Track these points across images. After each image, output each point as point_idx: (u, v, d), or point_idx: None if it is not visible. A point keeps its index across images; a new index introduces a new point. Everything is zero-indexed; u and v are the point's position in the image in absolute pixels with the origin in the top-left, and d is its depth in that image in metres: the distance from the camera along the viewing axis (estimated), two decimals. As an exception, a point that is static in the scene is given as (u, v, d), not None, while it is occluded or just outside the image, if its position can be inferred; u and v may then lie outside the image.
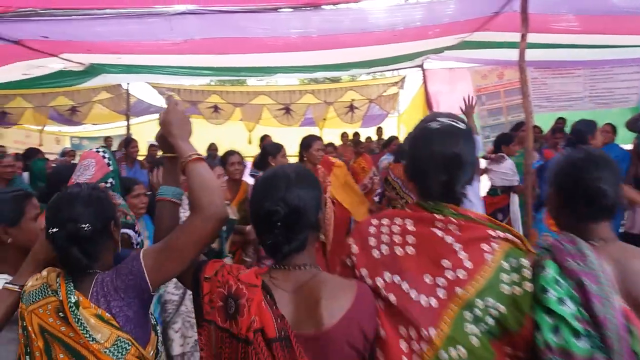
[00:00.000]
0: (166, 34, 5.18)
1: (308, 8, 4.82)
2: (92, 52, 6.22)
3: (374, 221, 1.42)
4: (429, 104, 8.09)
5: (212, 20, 4.84)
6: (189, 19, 4.81)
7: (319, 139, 4.91)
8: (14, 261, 1.74)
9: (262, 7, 4.70)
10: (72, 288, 1.44)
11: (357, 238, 1.41)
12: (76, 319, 1.39)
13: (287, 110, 9.35)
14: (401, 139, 8.27)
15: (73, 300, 1.41)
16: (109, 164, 2.49)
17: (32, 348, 1.44)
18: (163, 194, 1.51)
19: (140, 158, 7.61)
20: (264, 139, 7.20)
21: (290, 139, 8.81)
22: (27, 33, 5.16)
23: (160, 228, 1.49)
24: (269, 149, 4.45)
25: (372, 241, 1.38)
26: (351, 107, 9.41)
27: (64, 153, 8.62)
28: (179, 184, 1.55)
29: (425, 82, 8.19)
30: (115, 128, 11.09)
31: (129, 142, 7.02)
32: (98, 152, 2.54)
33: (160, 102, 10.11)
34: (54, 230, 1.46)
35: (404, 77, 9.14)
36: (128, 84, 9.03)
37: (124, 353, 1.41)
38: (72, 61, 6.60)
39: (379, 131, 9.53)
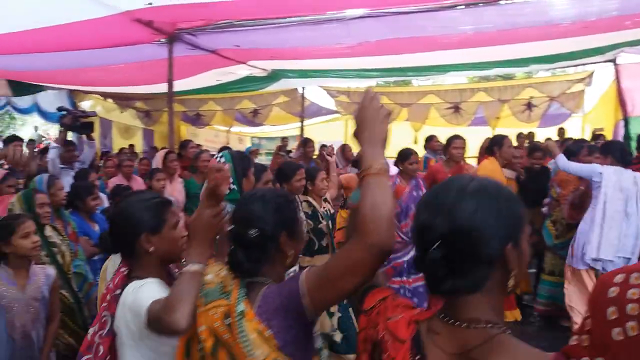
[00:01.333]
0: (343, 38, 5.39)
1: (485, 3, 4.64)
2: (275, 59, 6.74)
3: (619, 277, 0.79)
4: (621, 102, 7.16)
5: (389, 22, 4.91)
6: (367, 22, 4.94)
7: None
8: (156, 270, 1.70)
9: (438, 5, 4.64)
10: (243, 295, 1.35)
11: (592, 305, 0.82)
12: (239, 330, 1.29)
13: (457, 109, 9.06)
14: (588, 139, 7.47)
15: (240, 310, 1.31)
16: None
17: (192, 346, 1.41)
18: (353, 200, 1.35)
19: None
20: (431, 139, 7.07)
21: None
22: (222, 43, 5.80)
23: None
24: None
25: (612, 312, 0.77)
26: (528, 105, 8.76)
27: (249, 152, 9.53)
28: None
29: (617, 78, 7.26)
30: (290, 129, 11.87)
31: (306, 143, 7.44)
32: (215, 157, 2.66)
33: (331, 104, 10.55)
34: (240, 228, 1.41)
35: (591, 73, 8.23)
36: (303, 88, 9.60)
37: None
38: (257, 67, 7.24)
39: (561, 132, 8.72)
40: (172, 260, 1.75)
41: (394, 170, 4.47)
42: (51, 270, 2.94)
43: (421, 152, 7.29)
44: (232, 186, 2.38)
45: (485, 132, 8.29)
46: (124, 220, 1.71)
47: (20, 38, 4.93)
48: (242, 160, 2.51)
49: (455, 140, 4.99)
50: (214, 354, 1.33)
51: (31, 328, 2.76)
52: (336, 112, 10.92)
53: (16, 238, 2.72)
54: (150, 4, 4.32)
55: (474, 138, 6.92)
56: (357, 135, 1.25)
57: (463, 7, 4.66)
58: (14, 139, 5.87)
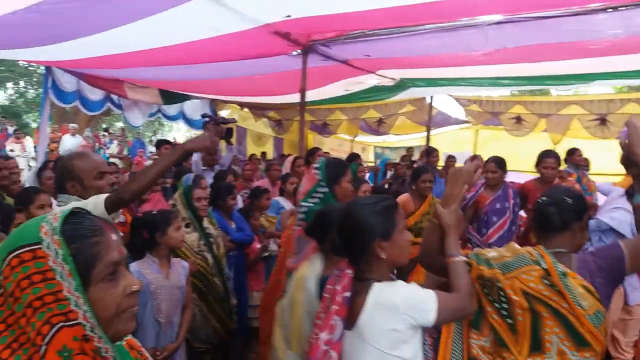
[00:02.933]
0: (478, 44, 5.18)
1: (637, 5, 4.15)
2: (404, 68, 6.69)
3: None
4: None
5: (529, 27, 4.61)
6: (505, 28, 4.69)
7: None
8: (386, 273, 1.73)
9: (585, 9, 4.26)
10: (555, 260, 1.75)
11: None
12: (565, 286, 1.68)
13: (603, 121, 8.24)
14: None
15: (561, 270, 1.71)
16: (316, 174, 2.55)
17: (512, 307, 1.77)
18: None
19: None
20: (573, 152, 6.51)
21: (601, 153, 7.79)
22: (353, 53, 5.88)
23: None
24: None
25: None
26: (692, 118, 7.69)
27: (385, 164, 9.58)
28: None
29: None
30: (414, 139, 11.72)
31: (430, 152, 7.30)
32: (311, 166, 2.69)
33: (459, 113, 10.21)
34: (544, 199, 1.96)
35: None
36: (432, 96, 9.40)
37: (598, 323, 1.67)
38: (385, 77, 7.24)
39: None
40: (400, 264, 1.78)
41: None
42: (185, 263, 3.20)
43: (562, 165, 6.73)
44: (324, 189, 2.50)
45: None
46: (356, 226, 1.72)
47: (172, 51, 5.44)
48: (335, 168, 2.56)
49: (546, 159, 4.51)
50: (531, 309, 1.72)
51: (173, 313, 3.02)
52: (465, 121, 10.55)
53: (171, 230, 3.00)
54: (289, 16, 4.51)
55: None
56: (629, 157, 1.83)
57: (611, 10, 4.23)
58: (165, 143, 6.50)
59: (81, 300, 0.92)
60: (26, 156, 12.49)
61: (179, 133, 24.73)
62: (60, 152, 11.36)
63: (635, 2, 4.09)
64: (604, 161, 7.62)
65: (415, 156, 9.81)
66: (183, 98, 9.17)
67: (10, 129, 14.60)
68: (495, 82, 7.37)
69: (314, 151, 6.43)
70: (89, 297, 0.94)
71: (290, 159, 5.74)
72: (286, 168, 5.71)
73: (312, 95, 7.19)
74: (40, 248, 0.92)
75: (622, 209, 3.89)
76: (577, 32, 4.71)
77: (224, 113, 10.31)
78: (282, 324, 2.28)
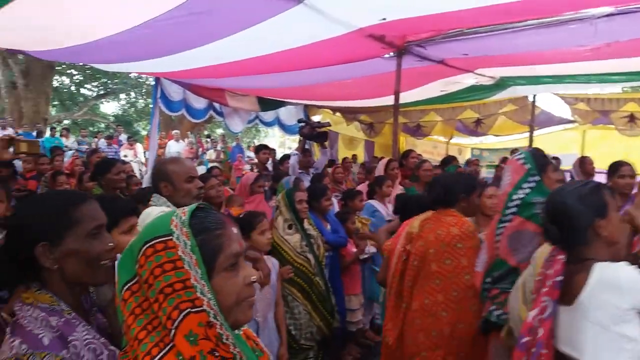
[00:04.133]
0: (586, 39, 4.82)
1: None
2: (505, 66, 6.39)
3: None
4: None
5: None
6: (617, 20, 4.33)
7: None
8: (605, 254, 1.77)
9: None
10: None
11: None
12: None
13: None
14: None
15: None
16: (524, 164, 2.51)
17: None
18: None
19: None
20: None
21: None
22: (450, 52, 5.72)
23: None
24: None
25: None
26: None
27: (468, 162, 9.25)
28: None
29: None
30: (516, 140, 11.15)
31: (537, 153, 6.89)
32: (513, 158, 2.66)
33: (565, 112, 9.55)
34: None
35: None
36: (534, 95, 8.89)
37: None
38: (484, 75, 6.97)
39: None
40: (618, 241, 1.79)
41: None
42: (275, 261, 3.29)
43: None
44: (536, 178, 2.47)
45: None
46: (571, 211, 1.77)
47: (269, 60, 5.63)
48: (541, 157, 2.57)
49: (622, 168, 4.04)
50: None
51: (267, 311, 3.12)
52: (570, 121, 9.85)
53: (255, 234, 3.10)
54: (384, 19, 4.49)
55: None
56: None
57: None
58: (263, 148, 6.75)
59: (206, 288, 1.00)
60: (137, 161, 13.55)
61: (273, 138, 25.60)
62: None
63: None
64: None
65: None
66: (278, 104, 9.46)
67: (123, 137, 15.93)
68: (605, 78, 6.81)
69: (408, 153, 6.35)
70: (213, 286, 1.01)
71: (383, 161, 5.71)
72: (379, 171, 5.68)
73: (406, 97, 7.11)
74: (171, 239, 1.01)
75: None
76: None
77: (316, 118, 10.50)
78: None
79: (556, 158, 7.86)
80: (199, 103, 8.33)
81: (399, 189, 5.56)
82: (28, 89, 15.43)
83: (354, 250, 4.46)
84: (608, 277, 1.64)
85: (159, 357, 0.98)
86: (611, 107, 8.40)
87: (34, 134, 12.92)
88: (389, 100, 6.59)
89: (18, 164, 6.28)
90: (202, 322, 0.99)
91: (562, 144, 10.45)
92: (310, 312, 3.62)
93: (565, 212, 1.78)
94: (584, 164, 6.28)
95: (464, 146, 13.41)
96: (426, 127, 11.09)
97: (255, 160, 7.10)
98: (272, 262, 3.27)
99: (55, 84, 19.59)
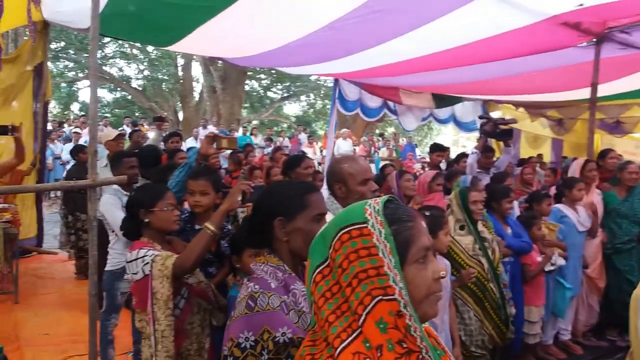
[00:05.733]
0: None
1: None
2: None
3: None
4: None
5: None
6: None
7: None
8: None
9: None
10: None
11: None
12: None
13: None
14: None
15: None
16: None
17: None
18: None
19: None
20: None
21: None
22: (661, 37, 4.92)
23: None
24: None
25: None
26: None
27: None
28: None
29: None
30: None
31: None
32: None
33: None
34: None
35: None
36: None
37: None
38: None
39: None
40: None
41: None
42: (447, 262, 3.17)
43: None
44: None
45: None
46: None
47: (448, 55, 5.46)
48: None
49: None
50: None
51: (443, 312, 3.06)
52: None
53: (441, 233, 3.00)
54: (581, 5, 4.04)
55: None
56: None
57: None
58: (438, 148, 6.62)
59: (398, 277, 1.00)
60: (316, 159, 14.39)
61: (446, 136, 24.92)
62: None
63: None
64: None
65: None
66: (454, 101, 9.16)
67: (303, 136, 17.02)
68: None
69: (606, 153, 5.63)
70: (404, 276, 1.01)
71: (579, 162, 5.13)
72: (574, 172, 5.12)
73: (604, 89, 6.30)
74: (366, 227, 1.03)
75: None
76: None
77: (496, 114, 9.91)
78: None
79: None
80: (373, 102, 8.48)
81: (596, 193, 4.98)
82: (225, 93, 17.44)
83: (539, 259, 4.10)
84: None
85: (347, 341, 1.00)
86: None
87: (230, 132, 14.52)
88: (583, 93, 5.93)
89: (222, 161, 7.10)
90: (393, 311, 0.99)
91: None
92: (482, 320, 3.45)
93: None
94: None
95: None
96: (627, 124, 9.70)
97: (427, 159, 6.97)
98: (444, 263, 3.17)
99: (246, 88, 21.75)
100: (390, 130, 23.31)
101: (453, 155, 8.55)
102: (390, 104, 8.76)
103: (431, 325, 2.89)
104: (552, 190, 5.69)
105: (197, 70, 20.44)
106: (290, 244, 1.55)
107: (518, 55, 5.44)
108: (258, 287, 1.43)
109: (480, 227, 3.60)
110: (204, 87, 19.00)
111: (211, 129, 13.77)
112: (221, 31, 4.65)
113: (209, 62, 16.84)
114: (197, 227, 2.69)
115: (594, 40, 5.08)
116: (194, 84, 20.62)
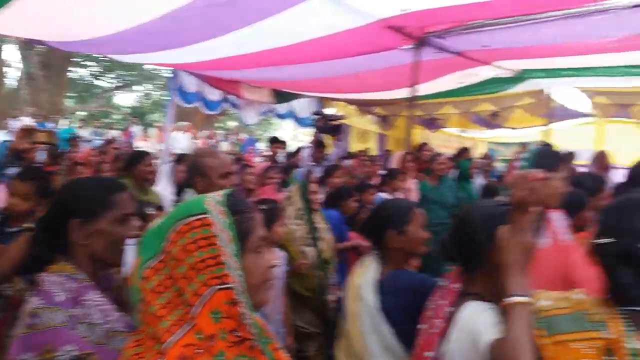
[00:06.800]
0: (613, 30, 4.73)
1: None
2: (525, 58, 6.30)
3: None
4: None
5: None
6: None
7: None
8: (490, 288, 1.46)
9: None
10: (630, 328, 1.10)
11: None
12: None
13: None
14: None
15: (632, 346, 1.08)
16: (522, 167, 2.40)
17: None
18: None
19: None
20: None
21: None
22: (470, 44, 5.65)
23: None
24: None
25: None
26: None
27: (485, 157, 9.20)
28: None
29: None
30: (531, 135, 11.01)
31: (545, 148, 6.81)
32: (515, 159, 2.53)
33: (583, 106, 9.40)
34: (605, 241, 1.16)
35: None
36: (551, 89, 8.76)
37: None
38: (503, 68, 6.87)
39: None
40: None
41: None
42: (282, 252, 3.27)
43: None
44: None
45: None
46: (473, 228, 1.46)
47: (286, 52, 5.59)
48: (546, 159, 2.29)
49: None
50: None
51: (274, 301, 3.12)
52: (588, 115, 9.69)
53: (277, 225, 3.08)
54: (405, 10, 4.44)
55: None
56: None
57: None
58: (276, 141, 6.74)
59: (237, 265, 1.03)
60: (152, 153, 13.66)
61: (286, 131, 25.56)
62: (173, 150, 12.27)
63: None
64: None
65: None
66: (293, 97, 9.42)
67: (137, 128, 16.04)
68: (629, 71, 6.68)
69: (422, 146, 6.31)
70: (243, 264, 1.04)
71: (400, 154, 5.68)
72: (395, 164, 5.65)
73: (422, 89, 7.03)
74: (207, 217, 1.04)
75: None
76: None
77: (331, 110, 10.44)
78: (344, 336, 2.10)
79: (572, 153, 7.76)
80: (214, 95, 8.32)
81: (413, 183, 5.54)
82: (47, 80, 15.59)
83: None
84: (469, 320, 1.36)
85: (178, 334, 0.99)
86: (632, 100, 8.25)
87: (51, 124, 13.04)
88: (405, 92, 6.53)
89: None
90: (228, 300, 1.01)
91: (579, 138, 10.29)
92: (299, 300, 3.58)
93: (461, 228, 1.53)
94: (601, 159, 6.19)
95: (480, 140, 13.29)
96: (441, 120, 10.99)
97: (267, 153, 7.10)
98: (279, 254, 3.26)
99: (72, 75, 19.75)
100: (232, 124, 23.15)
101: (293, 148, 8.83)
102: (232, 97, 8.69)
103: (261, 314, 2.96)
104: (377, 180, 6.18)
105: (11, 53, 17.97)
106: (91, 248, 1.41)
107: (350, 55, 5.79)
108: (41, 302, 1.28)
109: (316, 217, 3.78)
110: (22, 73, 16.76)
111: (26, 120, 12.22)
112: (43, 9, 4.13)
113: (27, 45, 14.88)
114: (11, 229, 2.40)
115: (415, 43, 5.61)
116: (7, 69, 18.08)
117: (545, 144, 7.33)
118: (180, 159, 5.09)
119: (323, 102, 10.32)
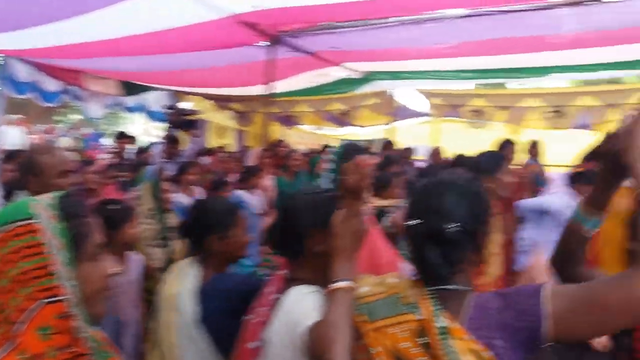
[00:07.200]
0: (442, 38, 5.29)
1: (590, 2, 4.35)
2: (370, 60, 6.76)
3: None
4: None
5: (492, 21, 4.75)
6: (468, 21, 4.82)
7: None
8: (319, 274, 1.42)
9: (545, 4, 4.44)
10: (438, 307, 1.11)
11: None
12: (446, 350, 1.06)
13: (558, 112, 8.57)
14: None
15: (441, 325, 1.08)
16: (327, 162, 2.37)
17: None
18: (580, 222, 1.21)
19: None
20: (534, 144, 6.76)
21: (556, 144, 8.12)
22: (321, 45, 5.90)
23: (561, 266, 1.25)
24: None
25: None
26: (642, 110, 8.07)
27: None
28: (602, 212, 1.20)
29: None
30: (377, 132, 11.81)
31: (387, 145, 7.40)
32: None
33: (422, 106, 10.36)
34: (414, 222, 1.16)
35: None
36: (394, 90, 9.51)
37: None
38: (351, 69, 7.29)
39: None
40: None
41: None
42: (140, 256, 3.14)
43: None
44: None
45: (588, 138, 7.79)
46: (294, 216, 1.44)
47: (135, 41, 5.30)
48: (351, 153, 2.31)
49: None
50: None
51: (131, 310, 2.96)
52: (426, 114, 10.71)
53: (128, 227, 2.91)
54: (256, 6, 4.48)
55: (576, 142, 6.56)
56: (613, 153, 1.12)
57: (569, 5, 4.41)
58: (122, 136, 6.35)
59: (70, 274, 0.94)
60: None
61: (134, 126, 24.12)
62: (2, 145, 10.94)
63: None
64: (559, 152, 7.95)
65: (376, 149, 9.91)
66: (145, 89, 8.95)
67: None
68: (459, 75, 7.54)
69: (277, 143, 6.44)
70: (77, 274, 0.96)
71: (257, 151, 5.73)
72: (252, 161, 5.69)
73: (278, 86, 7.17)
74: (33, 223, 0.93)
75: (562, 194, 4.00)
76: (539, 26, 4.88)
77: (186, 105, 10.12)
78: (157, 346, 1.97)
79: (409, 149, 8.53)
80: (52, 85, 7.55)
81: (270, 179, 5.63)
82: None
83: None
84: (292, 304, 1.34)
85: None
86: (462, 101, 9.32)
87: None
88: (261, 89, 6.59)
89: None
90: (59, 314, 0.92)
91: (419, 136, 11.30)
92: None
93: (285, 217, 1.51)
94: (436, 154, 6.89)
95: (332, 137, 13.90)
96: (296, 117, 11.29)
97: (113, 149, 6.68)
98: (137, 258, 3.10)
99: None
100: (76, 117, 21.20)
101: (144, 144, 8.38)
102: (73, 88, 7.96)
103: (115, 324, 2.79)
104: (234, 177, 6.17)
105: None
106: None
107: (203, 49, 5.68)
108: None
109: (169, 216, 3.63)
110: None
111: None
112: None
113: None
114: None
115: (269, 41, 5.69)
116: None
117: (387, 141, 7.96)
118: (10, 156, 4.55)
119: (178, 96, 9.96)
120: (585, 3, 4.42)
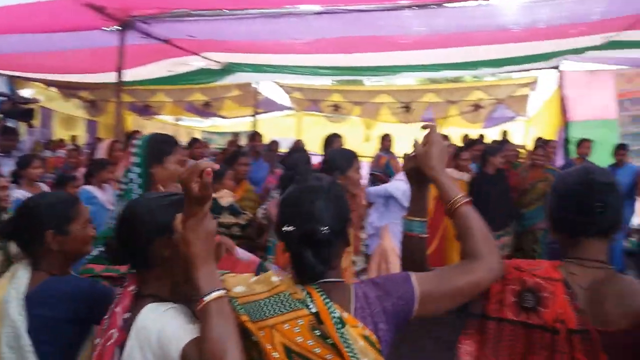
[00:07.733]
0: (299, 33, 5.39)
1: (437, 5, 4.76)
2: (230, 52, 6.65)
3: None
4: (563, 108, 7.54)
5: (345, 19, 4.95)
6: (323, 18, 4.97)
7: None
8: (168, 288, 1.35)
9: (394, 5, 4.74)
10: (329, 300, 1.18)
11: None
12: (343, 340, 1.13)
13: (407, 108, 9.29)
14: (529, 143, 7.81)
15: (336, 316, 1.15)
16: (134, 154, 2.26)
17: None
18: (411, 230, 1.42)
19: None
20: (385, 138, 7.22)
21: (406, 136, 8.81)
22: (176, 33, 5.67)
23: (409, 266, 1.40)
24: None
25: None
26: (476, 107, 9.07)
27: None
28: (425, 216, 1.44)
29: (560, 84, 7.64)
30: (242, 124, 11.77)
31: (253, 137, 7.38)
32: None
33: (285, 100, 10.51)
34: (289, 228, 1.22)
35: (536, 79, 8.59)
36: (257, 82, 9.53)
37: None
38: (211, 60, 7.12)
39: (505, 134, 9.07)
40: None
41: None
42: None
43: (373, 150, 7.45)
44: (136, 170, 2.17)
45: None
46: (133, 224, 1.32)
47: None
48: (161, 144, 2.23)
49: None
50: None
51: None
52: (289, 108, 10.90)
53: None
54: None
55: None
56: (417, 168, 1.41)
57: (416, 8, 4.77)
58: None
59: None
60: None
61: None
62: None
63: (436, 2, 4.67)
64: (408, 144, 8.64)
65: (242, 142, 9.87)
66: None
67: None
68: (316, 71, 7.76)
69: (133, 135, 6.08)
70: None
71: (107, 142, 5.33)
72: (101, 153, 5.27)
73: (131, 74, 6.75)
74: None
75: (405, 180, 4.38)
76: (387, 27, 5.20)
77: (25, 92, 9.09)
78: None
79: (275, 141, 8.63)
80: None
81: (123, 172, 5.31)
82: None
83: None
84: (150, 323, 1.22)
85: None
86: (320, 96, 9.64)
87: None
88: (112, 77, 6.16)
89: None
90: None
91: (283, 128, 11.47)
92: None
93: (124, 224, 1.41)
94: (295, 147, 7.03)
95: (195, 129, 13.52)
96: (154, 107, 10.78)
97: None
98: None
99: None
100: None
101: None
102: None
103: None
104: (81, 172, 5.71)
105: None
106: None
107: (43, 31, 5.14)
108: None
109: (6, 216, 3.31)
110: None
111: None
112: None
113: None
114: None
115: (119, 26, 5.32)
116: None
117: (253, 133, 7.94)
118: None
119: (15, 82, 8.90)
120: (429, 7, 4.79)
